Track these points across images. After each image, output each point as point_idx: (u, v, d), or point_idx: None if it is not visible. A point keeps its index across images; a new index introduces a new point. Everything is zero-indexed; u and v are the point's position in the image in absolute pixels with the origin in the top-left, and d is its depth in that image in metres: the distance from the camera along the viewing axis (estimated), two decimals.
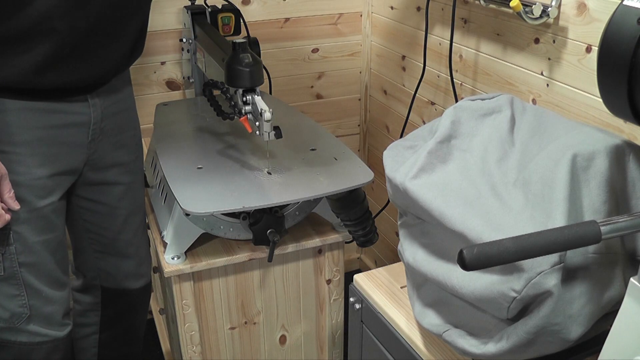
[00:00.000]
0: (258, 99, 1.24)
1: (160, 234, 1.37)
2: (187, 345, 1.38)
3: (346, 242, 1.43)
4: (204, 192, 1.24)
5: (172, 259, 1.31)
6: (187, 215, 1.27)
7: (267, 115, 1.18)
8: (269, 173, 1.31)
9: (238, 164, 1.35)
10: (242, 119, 1.25)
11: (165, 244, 1.33)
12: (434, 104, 1.73)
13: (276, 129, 1.21)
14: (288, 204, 1.33)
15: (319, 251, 1.41)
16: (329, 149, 1.42)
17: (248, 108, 1.25)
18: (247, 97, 1.25)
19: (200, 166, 1.33)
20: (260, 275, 1.39)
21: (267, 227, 1.30)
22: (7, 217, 1.11)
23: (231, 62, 1.24)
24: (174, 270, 1.29)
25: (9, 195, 1.11)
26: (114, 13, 1.15)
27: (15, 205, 1.12)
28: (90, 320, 1.51)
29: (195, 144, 1.47)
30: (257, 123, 1.23)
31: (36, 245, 1.19)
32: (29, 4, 1.05)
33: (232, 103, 1.26)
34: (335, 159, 1.37)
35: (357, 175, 1.30)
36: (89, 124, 1.23)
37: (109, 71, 1.23)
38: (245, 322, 1.43)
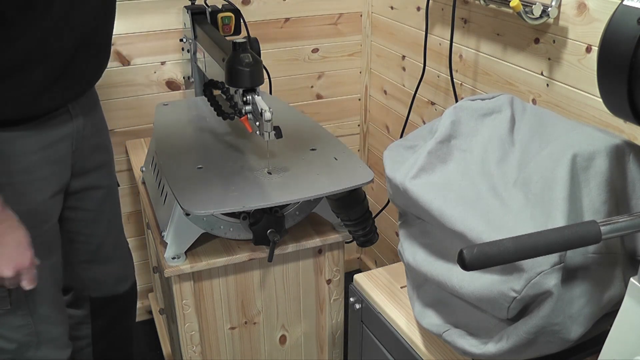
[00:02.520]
0: (258, 98, 1.24)
1: (161, 234, 1.37)
2: (187, 345, 1.38)
3: (346, 242, 1.43)
4: (204, 192, 1.24)
5: (173, 259, 1.31)
6: (188, 215, 1.27)
7: (267, 115, 1.18)
8: (269, 173, 1.31)
9: (238, 164, 1.35)
10: (242, 118, 1.25)
11: (165, 244, 1.33)
12: (434, 104, 1.73)
13: (276, 128, 1.21)
14: (288, 204, 1.33)
15: (319, 251, 1.41)
16: (329, 149, 1.42)
17: (248, 108, 1.25)
18: (247, 97, 1.25)
19: (200, 166, 1.33)
20: (261, 275, 1.39)
21: (267, 227, 1.30)
22: (34, 272, 1.08)
23: (231, 62, 1.24)
24: (174, 270, 1.29)
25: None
26: (94, 23, 1.14)
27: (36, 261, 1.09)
28: (82, 333, 1.50)
29: (195, 144, 1.47)
30: (257, 123, 1.23)
31: (41, 271, 1.14)
32: (24, 32, 1.02)
33: (233, 103, 1.26)
34: (336, 159, 1.37)
35: (357, 175, 1.30)
36: (73, 134, 1.22)
37: (90, 81, 1.24)
38: (246, 322, 1.43)
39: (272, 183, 1.28)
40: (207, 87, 1.30)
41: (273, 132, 1.20)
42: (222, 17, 1.68)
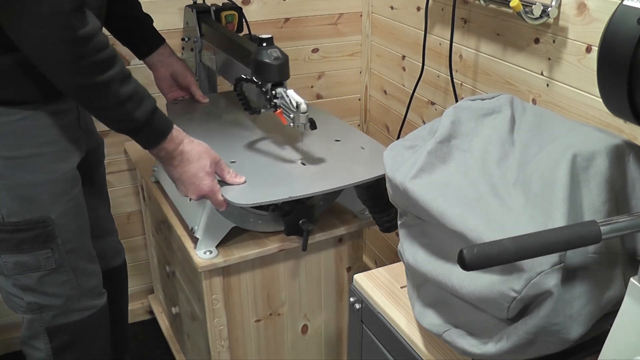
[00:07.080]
0: (291, 92, 1.27)
1: (191, 230, 1.36)
2: (216, 340, 1.39)
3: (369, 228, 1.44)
4: (245, 184, 1.25)
5: (205, 253, 1.31)
6: (226, 207, 1.28)
7: (303, 107, 1.22)
8: (303, 164, 1.33)
9: (270, 156, 1.36)
10: (277, 112, 1.28)
11: (195, 240, 1.34)
12: (434, 104, 1.73)
13: (310, 120, 1.24)
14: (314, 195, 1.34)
15: (340, 240, 1.43)
16: (352, 139, 1.44)
17: (277, 102, 1.28)
18: (276, 91, 1.27)
19: (233, 160, 1.33)
20: (285, 266, 1.40)
21: (299, 217, 1.32)
22: (221, 198, 1.22)
23: (259, 56, 1.26)
24: (207, 265, 1.30)
25: (229, 176, 1.24)
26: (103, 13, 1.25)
27: (240, 180, 1.25)
28: None
29: (219, 140, 1.45)
30: (291, 116, 1.25)
31: (76, 230, 1.27)
32: None
33: (267, 97, 1.28)
34: (362, 148, 1.39)
35: None
36: (76, 107, 1.27)
37: None
38: (270, 314, 1.44)
39: (310, 173, 1.30)
40: (239, 82, 1.31)
41: (308, 123, 1.24)
42: (225, 16, 1.68)
